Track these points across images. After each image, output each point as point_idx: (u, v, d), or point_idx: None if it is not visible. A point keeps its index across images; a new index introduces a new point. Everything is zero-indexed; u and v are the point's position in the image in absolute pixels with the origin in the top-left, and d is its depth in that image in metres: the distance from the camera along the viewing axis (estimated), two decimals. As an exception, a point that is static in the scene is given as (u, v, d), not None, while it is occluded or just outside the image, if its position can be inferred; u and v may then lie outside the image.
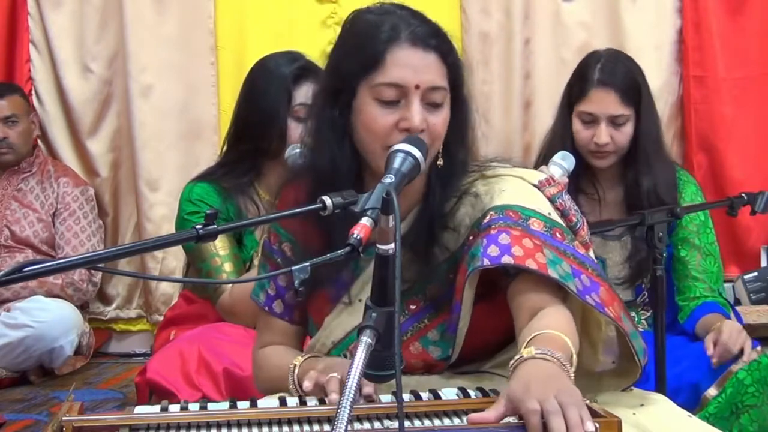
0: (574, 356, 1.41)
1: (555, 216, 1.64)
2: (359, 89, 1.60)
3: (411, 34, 1.58)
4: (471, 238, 1.61)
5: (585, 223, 1.73)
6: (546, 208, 1.64)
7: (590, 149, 2.65)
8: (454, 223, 1.65)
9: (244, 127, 2.70)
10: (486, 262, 1.53)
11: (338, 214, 1.40)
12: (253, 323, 2.52)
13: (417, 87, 1.56)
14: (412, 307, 1.66)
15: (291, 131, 2.64)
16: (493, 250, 1.54)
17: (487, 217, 1.60)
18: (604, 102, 2.63)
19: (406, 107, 1.57)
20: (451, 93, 1.63)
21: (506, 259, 1.53)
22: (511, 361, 1.36)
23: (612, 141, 2.63)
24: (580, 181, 2.70)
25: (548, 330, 1.42)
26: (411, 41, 1.57)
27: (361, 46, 1.61)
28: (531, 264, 1.52)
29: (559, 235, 1.60)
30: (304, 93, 2.65)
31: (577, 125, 2.69)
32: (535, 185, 1.68)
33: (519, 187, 1.66)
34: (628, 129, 2.64)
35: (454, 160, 1.66)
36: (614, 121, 2.63)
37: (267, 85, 2.67)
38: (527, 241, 1.55)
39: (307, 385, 1.54)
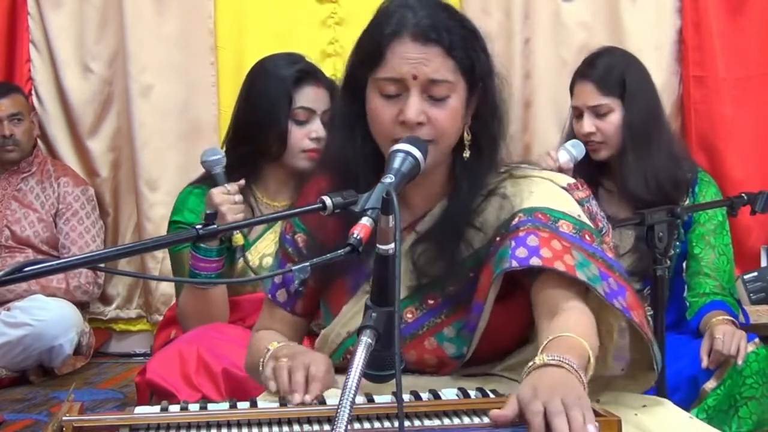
0: (592, 360, 1.40)
1: (584, 218, 1.63)
2: (368, 82, 1.62)
3: (414, 27, 1.58)
4: (498, 239, 1.60)
5: (611, 229, 1.73)
6: (575, 210, 1.63)
7: (583, 142, 2.70)
8: (480, 221, 1.64)
9: (243, 129, 2.70)
10: (514, 263, 1.53)
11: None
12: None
13: (415, 78, 1.57)
14: (430, 302, 1.66)
15: (291, 134, 2.64)
16: (521, 252, 1.53)
17: (516, 219, 1.59)
18: (583, 93, 2.72)
19: (404, 100, 1.58)
20: (471, 86, 1.62)
21: (534, 261, 1.52)
22: (525, 368, 1.36)
23: (598, 131, 2.67)
24: (599, 177, 2.74)
25: (567, 333, 1.41)
26: (412, 35, 1.58)
27: (367, 40, 1.63)
28: (559, 266, 1.52)
29: (588, 238, 1.59)
30: (304, 96, 2.64)
31: (574, 121, 2.77)
32: (564, 188, 1.67)
33: (548, 189, 1.65)
34: (613, 119, 2.68)
35: (482, 154, 1.66)
36: (596, 111, 2.68)
37: (266, 87, 2.67)
38: (556, 242, 1.54)
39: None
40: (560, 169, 2.56)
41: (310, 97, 2.65)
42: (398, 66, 1.58)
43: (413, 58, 1.57)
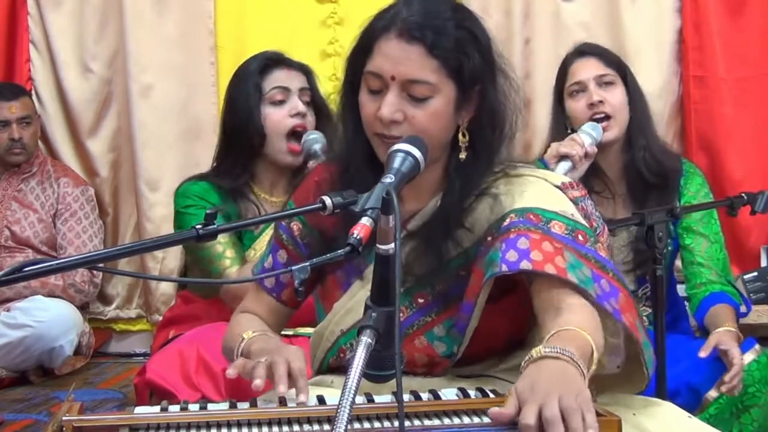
0: (595, 353, 1.38)
1: (578, 217, 1.61)
2: (362, 75, 1.63)
3: (402, 23, 1.57)
4: (489, 239, 1.59)
5: (606, 230, 1.71)
6: (569, 209, 1.61)
7: (588, 117, 2.64)
8: (471, 221, 1.63)
9: (230, 133, 2.72)
10: (504, 268, 1.51)
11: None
12: None
13: (393, 78, 1.57)
14: (420, 300, 1.65)
15: (269, 118, 2.65)
16: (511, 255, 1.52)
17: (507, 220, 1.58)
18: (586, 67, 2.68)
19: (384, 97, 1.58)
20: (463, 88, 1.60)
21: (524, 265, 1.50)
22: (522, 362, 1.34)
23: (606, 102, 2.63)
24: (591, 181, 2.70)
25: (569, 326, 1.40)
26: (398, 33, 1.57)
27: (362, 33, 1.64)
28: (550, 269, 1.50)
29: (581, 238, 1.57)
30: (274, 78, 2.67)
31: (570, 103, 2.70)
32: (558, 187, 1.66)
33: (541, 189, 1.64)
34: (618, 92, 2.66)
35: (478, 155, 1.65)
36: (602, 80, 2.66)
37: (239, 88, 2.70)
38: (547, 244, 1.53)
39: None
40: (586, 153, 2.52)
41: (280, 77, 2.69)
42: (380, 63, 1.58)
43: (394, 56, 1.57)
